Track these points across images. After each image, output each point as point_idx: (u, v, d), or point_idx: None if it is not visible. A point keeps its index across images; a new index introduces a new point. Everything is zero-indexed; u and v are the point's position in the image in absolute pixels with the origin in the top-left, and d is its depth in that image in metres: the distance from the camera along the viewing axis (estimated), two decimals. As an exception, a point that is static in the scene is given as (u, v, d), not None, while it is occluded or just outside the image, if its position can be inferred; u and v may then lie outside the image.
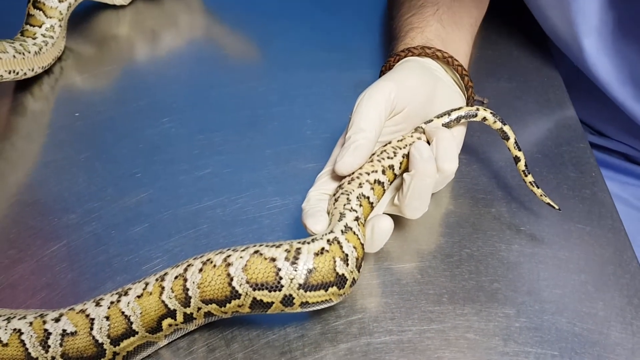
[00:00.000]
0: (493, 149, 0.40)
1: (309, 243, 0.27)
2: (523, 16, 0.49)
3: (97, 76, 0.48)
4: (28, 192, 0.39)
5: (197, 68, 0.49)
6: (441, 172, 0.31)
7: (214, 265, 0.27)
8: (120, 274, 0.33)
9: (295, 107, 0.44)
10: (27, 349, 0.27)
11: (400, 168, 0.32)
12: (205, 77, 0.48)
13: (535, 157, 0.40)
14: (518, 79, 0.46)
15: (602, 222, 0.35)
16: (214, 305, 0.27)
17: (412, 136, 0.33)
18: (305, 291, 0.26)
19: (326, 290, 0.27)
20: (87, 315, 0.27)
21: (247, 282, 0.26)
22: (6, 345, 0.27)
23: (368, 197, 0.30)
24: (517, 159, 0.35)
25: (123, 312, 0.27)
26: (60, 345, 0.27)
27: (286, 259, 0.26)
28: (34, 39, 0.46)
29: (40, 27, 0.47)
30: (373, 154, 0.32)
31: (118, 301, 0.27)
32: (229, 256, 0.27)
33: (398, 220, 0.34)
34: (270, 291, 0.26)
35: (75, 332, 0.27)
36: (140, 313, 0.27)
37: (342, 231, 0.28)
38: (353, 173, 0.31)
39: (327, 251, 0.27)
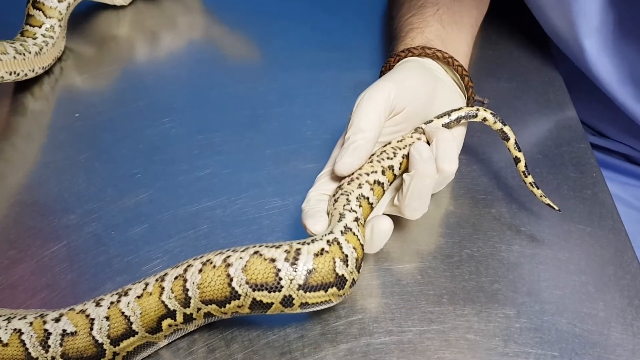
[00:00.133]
0: (493, 150, 0.40)
1: (308, 244, 0.27)
2: (523, 16, 0.49)
3: (97, 76, 0.48)
4: (28, 192, 0.39)
5: (197, 68, 0.49)
6: (441, 172, 0.31)
7: (214, 266, 0.27)
8: (120, 274, 0.33)
9: (295, 108, 0.44)
10: (27, 349, 0.27)
11: (400, 169, 0.32)
12: (205, 77, 0.48)
13: (536, 158, 0.39)
14: (518, 79, 0.46)
15: (602, 222, 0.35)
16: (213, 306, 0.27)
17: (412, 137, 0.33)
18: (305, 292, 0.26)
19: (326, 291, 0.27)
20: (87, 316, 0.27)
21: (247, 283, 0.26)
22: (6, 345, 0.27)
23: (368, 198, 0.30)
24: (517, 160, 0.34)
25: (123, 313, 0.27)
26: (60, 345, 0.27)
27: (286, 259, 0.26)
28: (34, 39, 0.46)
29: (40, 27, 0.47)
30: (373, 155, 0.32)
31: (118, 301, 0.27)
32: (228, 257, 0.27)
33: (398, 221, 0.34)
34: (269, 292, 0.26)
35: (75, 332, 0.27)
36: (140, 313, 0.27)
37: (341, 232, 0.28)
38: (353, 174, 0.31)
39: (327, 252, 0.27)
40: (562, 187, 0.38)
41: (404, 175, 0.31)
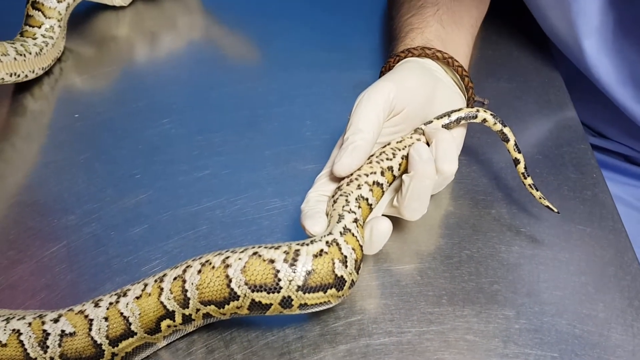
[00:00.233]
0: (493, 150, 0.40)
1: (307, 245, 0.27)
2: (523, 17, 0.49)
3: (96, 77, 0.48)
4: (27, 192, 0.39)
5: (197, 69, 0.49)
6: (440, 173, 0.31)
7: (213, 267, 0.27)
8: (120, 275, 0.33)
9: (294, 108, 0.44)
10: (25, 350, 0.27)
11: (399, 169, 0.32)
12: (204, 77, 0.48)
13: (536, 158, 0.39)
14: (518, 80, 0.46)
15: (602, 223, 0.35)
16: (212, 307, 0.27)
17: (411, 137, 0.33)
18: (304, 293, 0.26)
19: (325, 292, 0.27)
20: (86, 316, 0.27)
21: (246, 284, 0.26)
22: (5, 345, 0.27)
23: (367, 199, 0.30)
24: (516, 161, 0.34)
25: (122, 313, 0.27)
26: (59, 345, 0.27)
27: (285, 260, 0.26)
28: (34, 39, 0.46)
29: (39, 27, 0.47)
30: (372, 155, 0.32)
31: (117, 302, 0.27)
32: (227, 257, 0.27)
33: (397, 222, 0.34)
34: (268, 293, 0.26)
35: (74, 332, 0.27)
36: (139, 314, 0.27)
37: (340, 233, 0.28)
38: (352, 174, 0.31)
39: (326, 253, 0.27)
40: (562, 187, 0.37)
41: (404, 176, 0.31)
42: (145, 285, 0.28)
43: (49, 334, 0.27)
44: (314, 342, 0.30)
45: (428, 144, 0.32)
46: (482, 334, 0.30)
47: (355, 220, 0.29)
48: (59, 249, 0.35)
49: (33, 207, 0.37)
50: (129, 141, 0.42)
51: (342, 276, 0.27)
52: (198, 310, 0.27)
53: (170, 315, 0.27)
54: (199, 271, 0.27)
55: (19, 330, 0.27)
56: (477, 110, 0.34)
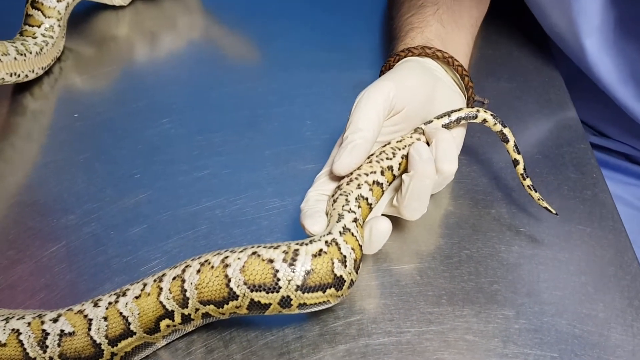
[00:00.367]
0: (493, 150, 0.40)
1: (306, 244, 0.27)
2: (523, 16, 0.49)
3: (96, 77, 0.48)
4: (27, 192, 0.39)
5: (197, 69, 0.49)
6: (440, 173, 0.31)
7: (212, 267, 0.27)
8: (119, 275, 0.33)
9: (294, 108, 0.44)
10: (25, 349, 0.27)
11: (399, 169, 0.32)
12: (204, 77, 0.48)
13: (536, 158, 0.39)
14: (518, 79, 0.46)
15: (602, 223, 0.35)
16: (211, 307, 0.27)
17: (411, 137, 0.33)
18: (303, 293, 0.26)
19: (324, 292, 0.27)
20: (85, 316, 0.27)
21: (245, 284, 0.26)
22: (4, 345, 0.27)
23: (367, 199, 0.30)
24: (516, 162, 0.34)
25: (121, 313, 0.27)
26: (58, 345, 0.27)
27: (284, 260, 0.26)
28: (34, 38, 0.46)
29: (39, 27, 0.47)
30: (372, 155, 0.32)
31: (116, 302, 0.27)
32: (226, 257, 0.27)
33: (397, 221, 0.34)
34: (267, 292, 0.26)
35: (73, 332, 0.27)
36: (138, 314, 0.27)
37: (340, 232, 0.28)
38: (352, 174, 0.31)
39: (325, 253, 0.27)
40: (562, 187, 0.37)
41: (403, 176, 0.31)
42: (145, 285, 0.28)
43: (48, 334, 0.27)
44: (313, 342, 0.30)
45: (428, 144, 0.32)
46: (482, 334, 0.30)
47: (355, 220, 0.29)
48: (59, 248, 0.35)
49: (33, 207, 0.37)
50: (129, 141, 0.42)
51: (341, 276, 0.27)
52: (197, 309, 0.27)
53: (169, 314, 0.27)
54: (198, 271, 0.27)
55: (18, 330, 0.27)
56: (478, 111, 0.34)
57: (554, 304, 0.31)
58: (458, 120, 0.34)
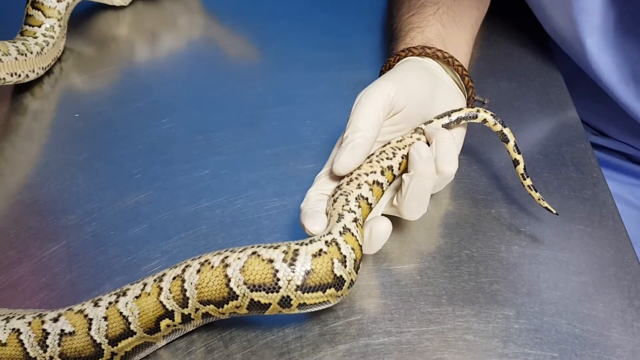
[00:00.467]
0: (493, 150, 0.40)
1: (306, 244, 0.27)
2: (524, 16, 0.49)
3: (96, 77, 0.48)
4: (27, 192, 0.39)
5: (197, 68, 0.49)
6: (440, 173, 0.31)
7: (212, 267, 0.27)
8: (119, 274, 0.33)
9: (294, 108, 0.44)
10: (25, 349, 0.27)
11: (399, 169, 0.32)
12: (204, 77, 0.48)
13: (536, 158, 0.39)
14: (519, 79, 0.46)
15: (603, 223, 0.35)
16: (211, 306, 0.27)
17: (411, 137, 0.33)
18: (303, 293, 0.26)
19: (324, 292, 0.27)
20: (86, 316, 0.27)
21: (245, 284, 0.26)
22: (5, 344, 0.27)
23: (367, 198, 0.30)
24: (516, 162, 0.34)
25: (121, 313, 0.27)
26: (59, 345, 0.27)
27: (284, 260, 0.26)
28: (35, 38, 0.46)
29: (39, 27, 0.47)
30: (372, 155, 0.32)
31: (116, 301, 0.27)
32: (226, 257, 0.27)
33: (397, 221, 0.34)
34: (267, 292, 0.26)
35: (74, 332, 0.27)
36: (138, 313, 0.27)
37: (340, 232, 0.28)
38: (352, 174, 0.31)
39: (325, 253, 0.27)
40: (563, 187, 0.37)
41: (403, 176, 0.31)
42: (145, 284, 0.28)
43: (48, 333, 0.27)
44: (313, 342, 0.30)
45: (428, 144, 0.32)
46: (482, 333, 0.30)
47: (355, 220, 0.29)
48: (59, 248, 0.35)
49: (33, 207, 0.37)
50: (129, 141, 0.42)
51: (341, 276, 0.27)
52: (197, 309, 0.27)
53: (169, 314, 0.27)
54: (198, 271, 0.27)
55: (18, 330, 0.27)
56: (478, 111, 0.34)
57: (554, 304, 0.31)
58: (458, 120, 0.34)
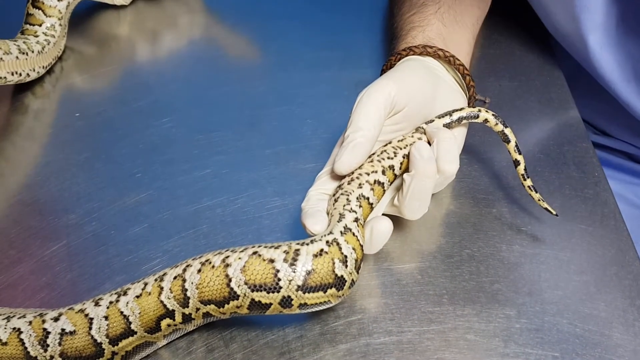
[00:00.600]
0: (494, 149, 0.40)
1: (307, 244, 0.27)
2: (525, 15, 0.49)
3: (97, 76, 0.48)
4: (28, 192, 0.39)
5: (197, 68, 0.49)
6: (441, 173, 0.31)
7: (213, 266, 0.27)
8: (120, 274, 0.33)
9: (295, 107, 0.44)
10: (26, 348, 0.27)
11: (400, 168, 0.32)
12: (205, 77, 0.48)
13: (538, 157, 0.39)
14: (520, 78, 0.46)
15: (604, 222, 0.35)
16: (212, 306, 0.27)
17: (412, 136, 0.33)
18: (304, 293, 0.26)
19: (325, 292, 0.27)
20: (86, 315, 0.27)
21: (246, 284, 0.26)
22: (5, 344, 0.27)
23: (368, 198, 0.30)
24: (517, 163, 0.34)
25: (122, 312, 0.27)
26: (59, 344, 0.27)
27: (285, 260, 0.26)
28: (36, 37, 0.46)
29: (40, 26, 0.47)
30: (373, 154, 0.32)
31: (117, 301, 0.27)
32: (227, 257, 0.27)
33: (398, 221, 0.34)
34: (268, 292, 0.26)
35: (74, 331, 0.27)
36: (139, 313, 0.27)
37: (341, 232, 0.28)
38: (353, 173, 0.31)
39: (326, 252, 0.27)
40: (564, 186, 0.37)
41: (405, 175, 0.31)
42: (146, 284, 0.28)
43: (49, 333, 0.27)
44: (314, 342, 0.30)
45: (429, 143, 0.32)
46: (483, 333, 0.30)
47: (356, 220, 0.29)
48: (59, 248, 0.35)
49: (33, 206, 0.37)
50: (130, 140, 0.42)
51: (342, 276, 0.27)
52: (198, 309, 0.27)
53: (170, 314, 0.27)
54: (199, 270, 0.27)
55: (19, 329, 0.27)
56: (479, 110, 0.34)
57: (555, 304, 0.31)
58: (459, 119, 0.34)
